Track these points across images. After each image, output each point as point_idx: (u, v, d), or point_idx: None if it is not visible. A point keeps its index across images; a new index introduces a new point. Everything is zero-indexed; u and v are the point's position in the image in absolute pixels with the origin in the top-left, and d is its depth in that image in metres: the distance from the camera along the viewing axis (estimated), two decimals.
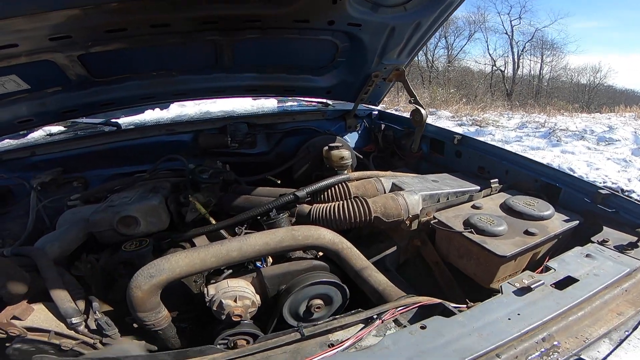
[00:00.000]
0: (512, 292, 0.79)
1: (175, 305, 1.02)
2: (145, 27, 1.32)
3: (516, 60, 21.29)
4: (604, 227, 1.14)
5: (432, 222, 1.21)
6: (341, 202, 1.32)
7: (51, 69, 1.38)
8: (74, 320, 0.88)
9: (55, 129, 2.03)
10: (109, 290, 1.11)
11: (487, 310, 0.74)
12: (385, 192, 1.42)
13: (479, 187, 1.46)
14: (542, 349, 0.66)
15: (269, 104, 2.60)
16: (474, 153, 1.69)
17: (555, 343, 0.68)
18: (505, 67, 21.31)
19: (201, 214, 1.34)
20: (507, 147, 7.29)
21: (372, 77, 1.90)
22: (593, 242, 1.05)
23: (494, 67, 21.15)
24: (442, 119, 9.22)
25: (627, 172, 6.01)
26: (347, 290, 1.08)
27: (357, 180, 1.48)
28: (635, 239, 1.04)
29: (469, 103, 11.85)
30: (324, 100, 2.32)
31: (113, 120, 2.02)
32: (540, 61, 21.70)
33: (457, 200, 1.36)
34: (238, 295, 0.96)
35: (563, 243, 1.19)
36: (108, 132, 1.86)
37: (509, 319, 0.71)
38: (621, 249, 1.02)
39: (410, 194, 1.32)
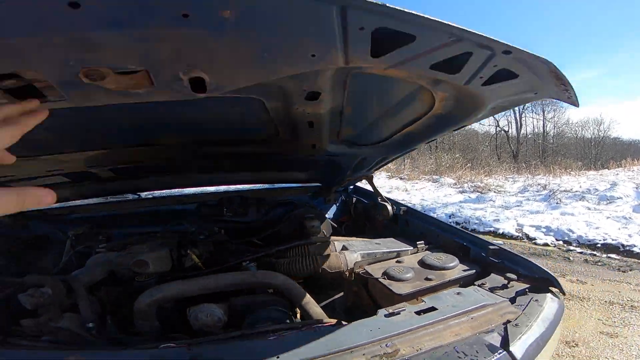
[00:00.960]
0: (383, 314, 1.12)
1: (165, 323, 1.38)
2: (159, 159, 1.77)
3: (518, 119, 21.58)
4: (492, 274, 1.45)
5: (361, 272, 1.56)
6: (299, 257, 1.71)
7: (87, 173, 1.85)
8: (90, 325, 1.25)
9: None
10: (117, 311, 1.47)
11: (361, 324, 1.06)
12: (336, 252, 1.79)
13: (411, 248, 1.81)
14: (384, 352, 0.95)
15: None
16: (416, 222, 2.06)
17: (396, 349, 0.97)
18: (509, 127, 21.55)
19: (195, 263, 1.74)
20: (507, 212, 7.47)
21: (346, 179, 2.40)
22: (474, 285, 1.36)
23: (498, 127, 21.38)
24: (444, 187, 9.54)
25: (628, 228, 6.05)
26: (294, 316, 1.42)
27: (317, 242, 1.85)
28: (506, 282, 1.36)
29: (474, 168, 12.20)
30: None
31: None
32: (542, 118, 21.81)
33: (386, 256, 1.71)
34: (210, 312, 1.31)
35: (465, 286, 1.49)
36: (131, 200, 2.35)
37: (371, 330, 1.03)
38: (493, 289, 1.33)
39: (351, 253, 1.70)
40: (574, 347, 2.85)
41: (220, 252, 1.94)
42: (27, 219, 2.06)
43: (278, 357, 0.92)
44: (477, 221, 7.12)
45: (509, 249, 1.53)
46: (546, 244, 5.95)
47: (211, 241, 1.94)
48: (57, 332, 1.25)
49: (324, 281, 1.78)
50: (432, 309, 1.16)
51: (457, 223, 7.15)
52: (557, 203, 7.46)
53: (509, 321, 1.12)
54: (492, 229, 6.76)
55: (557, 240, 6.02)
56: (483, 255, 1.57)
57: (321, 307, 1.63)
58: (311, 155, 1.93)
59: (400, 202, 2.28)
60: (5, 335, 1.18)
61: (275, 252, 1.77)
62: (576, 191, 8.21)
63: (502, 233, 6.56)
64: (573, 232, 6.08)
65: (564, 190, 8.25)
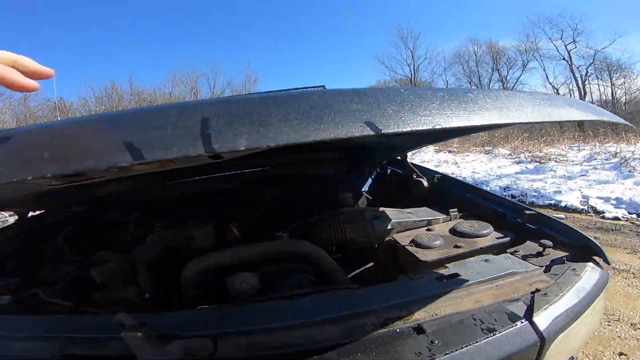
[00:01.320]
0: (401, 280, 1.10)
1: (208, 292, 1.49)
2: None
3: (581, 86, 19.27)
4: (528, 241, 1.35)
5: (389, 240, 1.54)
6: (329, 227, 1.72)
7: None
8: (147, 295, 1.41)
9: None
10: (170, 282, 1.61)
11: (379, 289, 1.05)
12: (365, 221, 1.78)
13: (444, 216, 1.73)
14: (398, 315, 0.94)
15: None
16: (451, 189, 1.97)
17: (410, 313, 0.94)
18: (571, 95, 19.41)
19: (237, 236, 1.84)
20: (570, 183, 6.84)
21: (377, 159, 2.46)
22: (506, 252, 1.28)
23: None
24: (498, 158, 8.91)
25: None
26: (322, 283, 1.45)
27: (347, 212, 1.86)
28: (541, 249, 1.25)
29: (532, 138, 11.19)
30: None
31: None
32: (610, 85, 19.25)
33: (417, 225, 1.66)
34: (244, 279, 1.38)
35: (499, 254, 1.40)
36: (181, 182, 2.50)
37: (388, 294, 1.02)
38: (526, 257, 1.23)
39: (381, 222, 1.67)
40: None
41: (260, 226, 2.03)
42: (102, 207, 2.31)
43: (294, 316, 0.95)
44: (535, 193, 6.60)
45: (548, 215, 1.41)
46: (616, 218, 5.34)
47: (252, 216, 2.04)
48: (120, 302, 1.41)
49: (355, 251, 1.79)
50: (455, 275, 1.11)
51: (512, 196, 6.69)
52: (629, 172, 6.65)
53: (537, 290, 1.04)
54: (552, 201, 6.23)
55: (629, 213, 5.38)
56: (519, 222, 1.46)
57: (352, 276, 1.66)
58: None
59: (437, 170, 2.19)
60: (78, 304, 1.36)
61: (307, 223, 1.80)
62: None
63: (565, 206, 6.02)
64: None
65: (639, 158, 7.31)
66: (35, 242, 2.06)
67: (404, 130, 0.53)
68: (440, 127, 0.55)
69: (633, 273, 3.45)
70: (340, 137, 0.51)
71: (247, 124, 0.51)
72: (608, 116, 0.90)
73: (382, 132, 0.52)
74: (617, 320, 2.67)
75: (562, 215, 5.64)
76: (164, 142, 0.50)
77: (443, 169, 8.86)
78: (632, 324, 2.61)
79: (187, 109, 0.55)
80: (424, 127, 0.54)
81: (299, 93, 0.57)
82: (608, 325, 2.63)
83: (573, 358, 1.32)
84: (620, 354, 2.29)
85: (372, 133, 0.52)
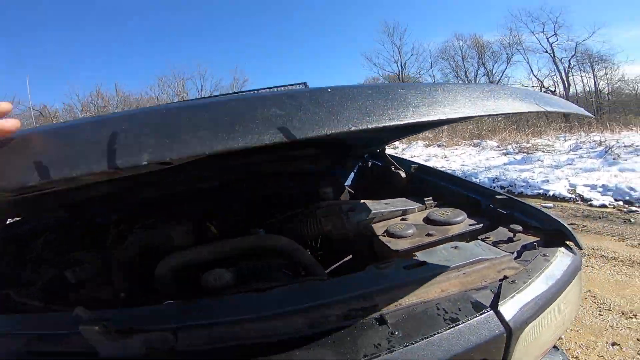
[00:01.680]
0: (369, 270, 1.07)
1: (184, 289, 1.46)
2: None
3: (564, 78, 19.48)
4: (500, 227, 1.32)
5: (363, 231, 1.52)
6: (305, 220, 1.70)
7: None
8: (122, 294, 1.39)
9: None
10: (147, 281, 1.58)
11: (345, 279, 1.02)
12: (342, 213, 1.76)
13: (420, 205, 1.72)
14: (361, 307, 0.90)
15: None
16: (428, 179, 1.95)
17: (374, 304, 0.91)
18: (555, 87, 19.55)
19: (214, 234, 1.81)
20: (557, 172, 6.86)
21: (358, 152, 2.44)
22: (477, 239, 1.25)
23: (543, 88, 19.51)
24: (486, 150, 8.93)
25: None
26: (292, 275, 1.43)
27: (324, 206, 1.83)
28: (512, 235, 1.23)
29: (520, 130, 11.23)
30: None
31: None
32: (592, 76, 19.48)
33: (392, 214, 1.64)
34: (218, 275, 1.35)
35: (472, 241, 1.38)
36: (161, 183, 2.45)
37: (355, 285, 0.99)
38: (497, 243, 1.20)
39: (357, 214, 1.65)
40: (631, 318, 2.50)
41: (238, 223, 2.00)
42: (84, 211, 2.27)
43: (259, 309, 0.92)
44: (523, 183, 6.63)
45: (519, 200, 1.39)
46: (604, 205, 5.36)
47: (231, 214, 2.01)
48: (93, 302, 1.37)
49: (334, 244, 1.77)
50: (422, 263, 1.08)
51: (502, 187, 6.71)
52: (614, 159, 6.69)
53: (505, 277, 1.00)
54: (541, 191, 6.25)
55: (616, 200, 5.42)
56: (492, 207, 1.44)
57: (331, 270, 1.64)
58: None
59: (415, 161, 2.17)
60: (49, 304, 1.32)
61: (285, 217, 1.78)
62: (638, 146, 7.28)
63: (553, 195, 6.04)
64: (635, 191, 5.44)
65: (623, 146, 7.35)
66: (17, 247, 2.02)
67: (318, 134, 0.51)
68: (356, 128, 0.53)
69: (622, 261, 3.43)
70: (250, 146, 0.49)
71: (153, 137, 0.49)
72: (557, 106, 0.84)
73: (295, 137, 0.50)
74: (608, 310, 2.62)
75: (550, 204, 5.66)
76: (71, 159, 0.49)
77: (432, 163, 8.86)
78: (623, 313, 2.56)
79: (99, 123, 0.54)
80: (339, 129, 0.52)
81: (216, 101, 0.55)
82: (600, 314, 2.58)
83: (557, 348, 1.29)
84: (614, 343, 2.25)
85: (284, 139, 0.50)
